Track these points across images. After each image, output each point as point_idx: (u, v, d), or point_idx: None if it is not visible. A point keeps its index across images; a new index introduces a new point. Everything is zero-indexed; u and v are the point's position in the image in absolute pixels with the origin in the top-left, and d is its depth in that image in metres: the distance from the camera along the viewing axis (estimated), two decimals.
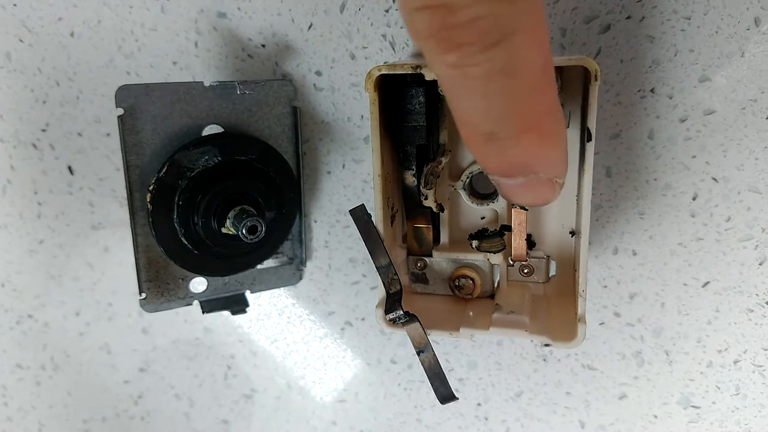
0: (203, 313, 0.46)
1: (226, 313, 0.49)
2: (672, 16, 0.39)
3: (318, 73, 0.46)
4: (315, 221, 0.50)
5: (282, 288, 0.52)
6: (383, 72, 0.35)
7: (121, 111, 0.40)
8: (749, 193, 0.42)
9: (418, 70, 0.34)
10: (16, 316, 0.59)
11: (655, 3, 0.39)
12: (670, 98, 0.41)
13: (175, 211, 0.41)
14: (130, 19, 0.47)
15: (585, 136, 0.35)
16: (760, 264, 0.43)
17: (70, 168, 0.52)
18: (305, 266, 0.50)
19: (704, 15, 0.39)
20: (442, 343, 0.51)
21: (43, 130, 0.51)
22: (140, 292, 0.44)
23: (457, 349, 0.51)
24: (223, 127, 0.43)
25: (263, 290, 0.49)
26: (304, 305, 0.53)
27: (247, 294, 0.49)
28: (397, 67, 0.35)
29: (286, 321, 0.54)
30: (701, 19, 0.39)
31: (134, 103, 0.40)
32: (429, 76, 0.35)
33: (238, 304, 0.48)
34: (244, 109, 0.44)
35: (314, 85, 0.46)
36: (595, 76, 0.33)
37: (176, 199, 0.41)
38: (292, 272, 0.50)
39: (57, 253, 0.56)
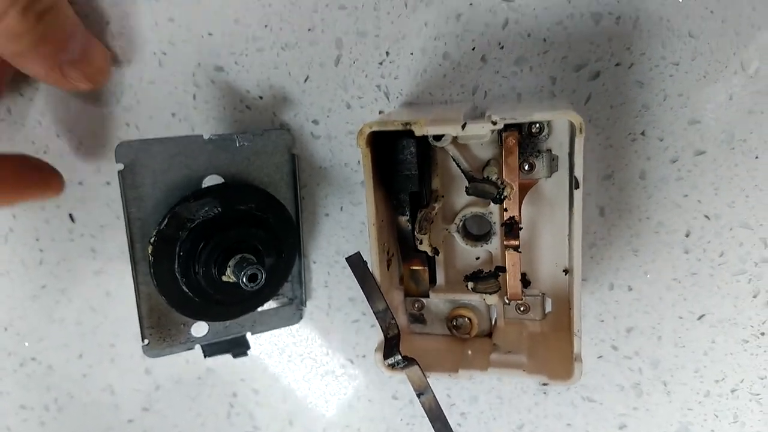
0: (205, 357, 0.47)
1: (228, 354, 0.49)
2: (660, 62, 0.40)
3: (315, 122, 0.46)
4: (314, 262, 0.51)
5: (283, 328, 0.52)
6: (374, 129, 0.36)
7: (121, 166, 0.40)
8: (741, 229, 0.43)
9: (408, 127, 0.35)
10: (20, 359, 0.59)
11: (643, 50, 0.40)
12: (661, 140, 0.42)
13: (176, 262, 0.42)
14: (128, 74, 0.48)
15: (572, 184, 0.35)
16: (754, 297, 0.44)
17: (71, 216, 0.53)
18: (305, 306, 0.51)
19: (692, 61, 0.40)
20: (443, 378, 0.51)
21: None
22: (143, 339, 0.45)
23: (459, 384, 0.52)
24: (222, 176, 0.44)
25: (264, 331, 0.50)
26: (304, 344, 0.54)
27: (248, 335, 0.49)
28: (388, 123, 0.36)
29: (287, 360, 0.55)
30: (689, 64, 0.40)
31: (134, 158, 0.41)
32: (419, 132, 0.35)
33: (239, 347, 0.48)
34: (243, 158, 0.44)
35: (311, 133, 0.47)
36: (580, 129, 0.33)
37: (177, 249, 0.41)
38: (293, 312, 0.51)
39: (59, 297, 0.56)
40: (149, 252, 0.41)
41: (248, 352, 0.48)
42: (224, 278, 0.42)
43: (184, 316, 0.44)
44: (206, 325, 0.47)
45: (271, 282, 0.46)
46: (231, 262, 0.42)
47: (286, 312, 0.51)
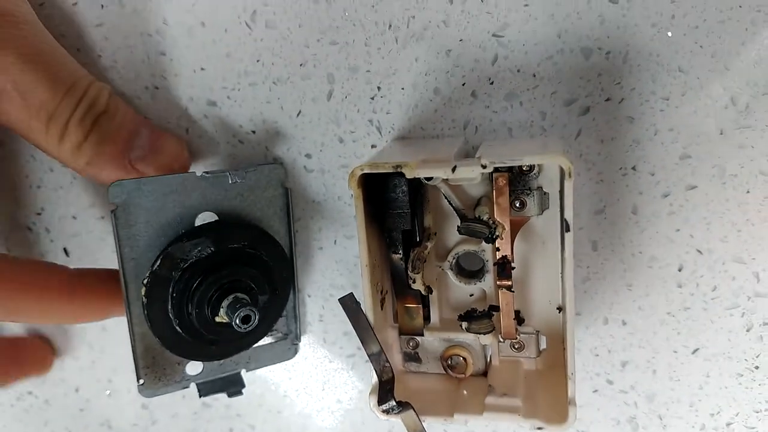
0: (200, 396, 0.47)
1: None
2: (650, 97, 0.40)
3: (308, 156, 0.46)
4: (309, 296, 0.51)
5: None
6: (365, 171, 0.36)
7: (114, 206, 0.40)
8: (734, 264, 0.43)
9: (398, 169, 0.35)
10: (17, 393, 0.59)
11: (633, 85, 0.40)
12: (652, 175, 0.42)
13: (170, 302, 0.42)
14: None
15: (563, 227, 0.35)
16: (748, 330, 0.44)
17: (65, 250, 0.53)
18: (300, 341, 0.51)
19: (682, 96, 0.40)
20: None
21: (38, 214, 0.52)
22: (138, 379, 0.45)
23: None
24: (216, 212, 0.44)
25: (259, 368, 0.50)
26: (300, 379, 0.54)
27: (243, 372, 0.49)
28: (379, 166, 0.36)
29: (282, 395, 0.55)
30: (679, 99, 0.40)
31: (127, 198, 0.41)
32: (410, 175, 0.35)
33: (234, 386, 0.48)
34: (236, 194, 0.44)
35: (304, 167, 0.47)
36: (569, 173, 0.33)
37: (170, 290, 0.41)
38: (287, 347, 0.51)
39: (55, 332, 0.56)
40: (143, 294, 0.41)
41: (243, 391, 0.48)
42: (217, 319, 0.42)
43: (178, 356, 0.44)
44: (201, 363, 0.47)
45: (265, 319, 0.45)
46: (224, 303, 0.42)
47: (281, 347, 0.50)
